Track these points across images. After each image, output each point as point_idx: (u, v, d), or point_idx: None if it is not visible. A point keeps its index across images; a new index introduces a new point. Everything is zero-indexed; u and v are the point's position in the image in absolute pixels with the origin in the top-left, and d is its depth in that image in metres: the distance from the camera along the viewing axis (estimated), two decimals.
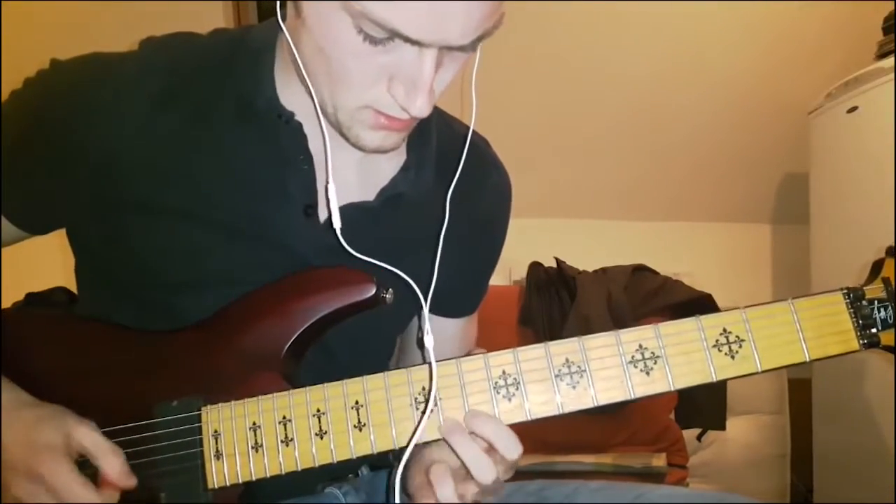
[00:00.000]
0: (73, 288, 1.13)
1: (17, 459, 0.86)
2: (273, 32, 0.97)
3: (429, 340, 0.87)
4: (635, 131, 3.30)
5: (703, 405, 2.75)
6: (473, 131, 1.09)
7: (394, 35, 0.76)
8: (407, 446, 0.84)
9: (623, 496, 0.98)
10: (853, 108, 2.66)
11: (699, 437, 2.87)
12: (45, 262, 1.56)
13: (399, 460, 0.83)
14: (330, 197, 0.90)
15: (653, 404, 2.62)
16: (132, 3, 2.64)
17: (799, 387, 3.03)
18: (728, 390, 2.78)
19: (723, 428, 2.80)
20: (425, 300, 0.90)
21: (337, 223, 0.90)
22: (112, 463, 0.87)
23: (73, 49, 0.99)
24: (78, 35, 2.60)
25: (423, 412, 0.84)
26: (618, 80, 3.16)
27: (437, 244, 0.97)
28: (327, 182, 0.91)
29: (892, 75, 2.44)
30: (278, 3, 0.88)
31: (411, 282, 0.90)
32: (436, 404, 0.85)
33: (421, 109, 0.81)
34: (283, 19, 0.89)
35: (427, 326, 0.88)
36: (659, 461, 2.45)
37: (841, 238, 2.73)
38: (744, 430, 2.99)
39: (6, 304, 1.08)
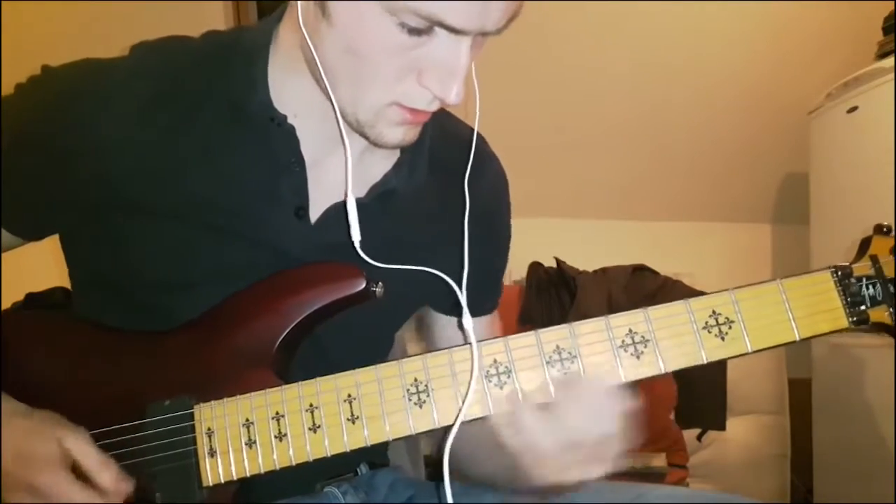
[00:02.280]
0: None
1: (12, 472, 0.86)
2: (267, 34, 0.97)
3: (467, 321, 0.89)
4: (635, 131, 3.30)
5: (703, 405, 2.75)
6: (469, 127, 1.10)
7: (436, 24, 0.78)
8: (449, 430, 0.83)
9: (623, 496, 0.98)
10: (853, 108, 2.66)
11: (699, 437, 2.86)
12: (44, 263, 1.56)
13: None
14: (349, 210, 0.91)
15: (653, 404, 2.61)
16: (132, 4, 2.64)
17: (799, 387, 3.02)
18: (728, 390, 2.78)
19: (723, 428, 2.79)
20: (460, 288, 0.92)
21: (356, 236, 0.90)
22: (104, 477, 0.87)
23: (72, 49, 1.00)
24: (77, 34, 2.60)
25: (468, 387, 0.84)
26: (618, 79, 3.17)
27: (462, 230, 0.99)
28: (346, 198, 0.91)
29: (892, 75, 2.44)
30: (300, 4, 0.87)
31: (446, 277, 0.92)
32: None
33: (458, 96, 0.83)
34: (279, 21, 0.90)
35: (465, 307, 0.90)
36: (659, 461, 2.45)
37: (841, 238, 2.72)
38: (744, 430, 2.98)
39: (6, 304, 1.08)
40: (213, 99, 0.96)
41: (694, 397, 2.68)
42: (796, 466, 3.04)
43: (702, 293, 2.51)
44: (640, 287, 2.83)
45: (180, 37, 1.02)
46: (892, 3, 2.66)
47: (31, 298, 1.13)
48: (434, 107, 0.87)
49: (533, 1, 2.50)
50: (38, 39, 2.52)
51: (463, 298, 0.91)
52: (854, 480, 2.66)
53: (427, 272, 0.92)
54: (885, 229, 0.87)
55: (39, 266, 1.43)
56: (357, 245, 0.90)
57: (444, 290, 0.94)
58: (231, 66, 0.96)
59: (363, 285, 0.93)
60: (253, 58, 0.96)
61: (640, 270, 2.92)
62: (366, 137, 0.91)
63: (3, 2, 2.42)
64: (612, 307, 2.69)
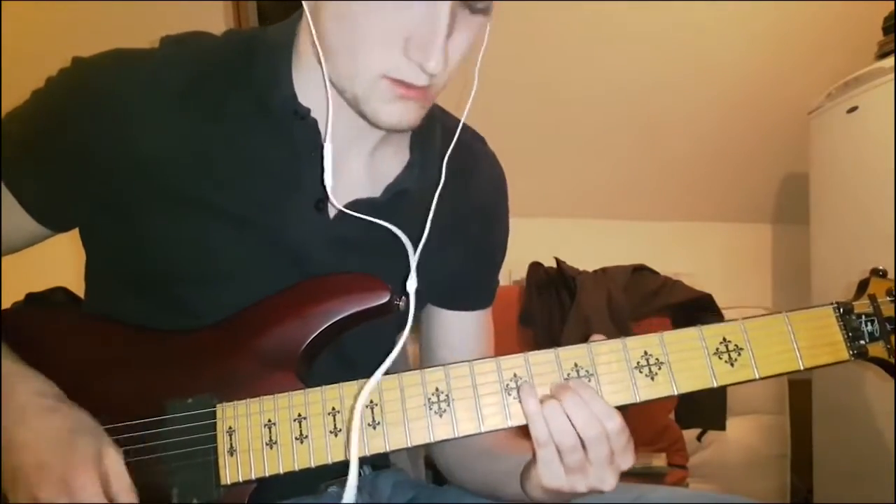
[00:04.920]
0: (74, 289, 1.13)
1: (51, 461, 0.85)
2: (289, 32, 1.00)
3: (411, 284, 0.94)
4: (635, 131, 3.31)
5: (703, 405, 2.76)
6: (471, 130, 1.15)
7: None
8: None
9: (623, 496, 0.99)
10: (853, 108, 2.67)
11: (699, 437, 2.87)
12: (45, 264, 1.55)
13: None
14: (325, 155, 0.93)
15: (653, 404, 2.60)
16: (132, 4, 2.64)
17: (799, 388, 3.03)
18: (728, 391, 2.78)
19: (723, 428, 2.80)
20: (414, 249, 0.96)
21: (329, 181, 0.94)
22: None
23: (73, 50, 1.01)
24: (77, 35, 2.59)
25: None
26: (618, 79, 3.18)
27: (427, 229, 1.01)
28: (323, 141, 0.95)
29: (892, 75, 2.45)
30: None
31: (399, 232, 0.96)
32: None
33: (437, 64, 0.85)
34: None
35: (414, 274, 0.94)
36: (659, 461, 2.45)
37: (841, 238, 2.74)
38: (744, 430, 2.99)
39: (6, 304, 1.08)
40: (239, 92, 0.99)
41: (694, 398, 2.65)
42: (796, 466, 3.05)
43: (702, 293, 2.52)
44: (640, 287, 2.84)
45: (205, 32, 1.05)
46: (893, 3, 2.67)
47: (32, 299, 1.12)
48: (422, 81, 0.88)
49: (534, 1, 2.51)
50: (39, 39, 2.51)
51: (413, 260, 0.96)
52: (854, 480, 2.67)
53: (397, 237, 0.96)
54: (880, 272, 0.95)
55: (39, 267, 1.42)
56: (329, 191, 0.93)
57: (446, 284, 1.00)
58: (257, 62, 0.99)
59: (387, 298, 0.95)
60: (277, 54, 0.99)
61: (640, 270, 2.92)
62: (364, 116, 0.93)
63: (3, 1, 2.41)
64: (613, 307, 2.69)
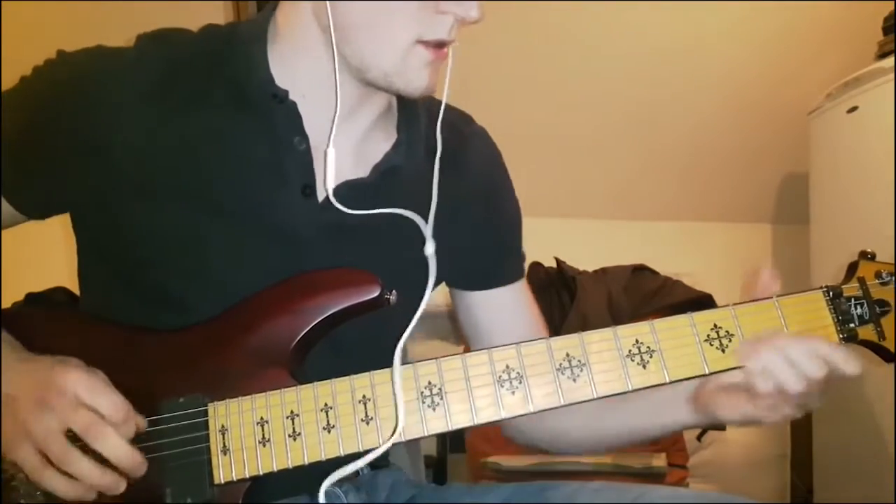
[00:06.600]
0: (74, 288, 1.13)
1: (27, 389, 0.86)
2: (263, 23, 1.02)
3: (430, 247, 0.98)
4: (636, 131, 3.30)
5: None
6: (457, 111, 1.17)
7: None
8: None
9: (623, 496, 0.99)
10: (853, 108, 2.66)
11: (699, 437, 2.86)
12: (46, 263, 1.56)
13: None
14: (328, 159, 0.96)
15: None
16: (131, 4, 2.64)
17: None
18: None
19: (723, 428, 2.78)
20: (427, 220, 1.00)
21: (330, 184, 0.97)
22: (112, 401, 0.87)
23: (72, 47, 1.02)
24: (77, 35, 2.59)
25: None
26: (618, 79, 3.17)
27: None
28: (326, 148, 0.97)
29: (892, 75, 2.45)
30: None
31: (416, 217, 0.99)
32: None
33: (478, 12, 0.90)
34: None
35: (430, 240, 0.99)
36: (659, 461, 2.45)
37: (841, 238, 2.73)
38: (744, 430, 2.98)
39: (6, 303, 1.08)
40: (216, 82, 1.00)
41: None
42: (796, 466, 3.05)
43: (701, 293, 2.52)
44: (640, 287, 2.83)
45: (181, 28, 1.07)
46: (892, 3, 2.66)
47: (32, 298, 1.13)
48: (454, 34, 0.92)
49: (531, 2, 2.50)
50: (38, 39, 2.51)
51: (428, 230, 1.00)
52: (854, 480, 2.66)
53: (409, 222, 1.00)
54: (869, 255, 0.96)
55: (39, 267, 1.42)
56: (330, 193, 0.97)
57: (459, 266, 1.03)
58: (232, 51, 1.01)
59: (377, 292, 0.95)
60: (252, 43, 1.00)
61: (640, 270, 2.92)
62: (395, 91, 0.96)
63: (3, 1, 2.42)
64: (613, 307, 2.68)
